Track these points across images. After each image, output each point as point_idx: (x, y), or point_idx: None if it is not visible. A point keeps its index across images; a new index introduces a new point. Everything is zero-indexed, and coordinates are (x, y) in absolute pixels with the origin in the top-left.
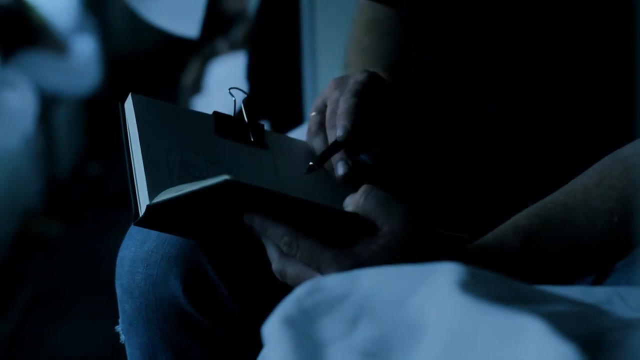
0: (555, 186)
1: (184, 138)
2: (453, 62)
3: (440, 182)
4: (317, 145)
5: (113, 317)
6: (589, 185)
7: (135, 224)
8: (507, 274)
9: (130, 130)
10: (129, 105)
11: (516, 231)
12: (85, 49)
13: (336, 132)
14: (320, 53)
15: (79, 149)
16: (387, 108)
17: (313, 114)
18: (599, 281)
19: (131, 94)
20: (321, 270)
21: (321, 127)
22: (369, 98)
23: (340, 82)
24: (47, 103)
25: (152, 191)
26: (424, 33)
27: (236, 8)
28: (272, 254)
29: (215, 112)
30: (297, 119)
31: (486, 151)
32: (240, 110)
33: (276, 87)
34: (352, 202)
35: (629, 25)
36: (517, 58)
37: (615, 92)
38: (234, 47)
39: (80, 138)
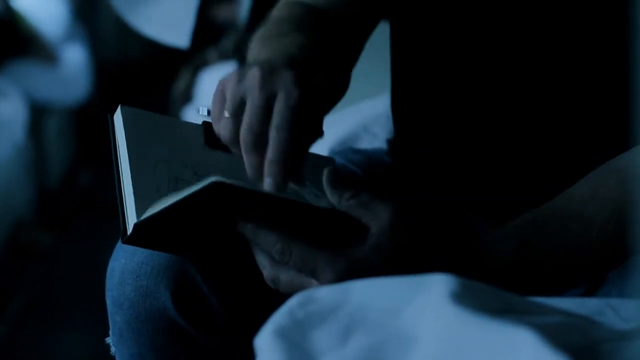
0: (550, 190)
1: (172, 151)
2: (455, 66)
3: (433, 186)
4: (254, 162)
5: (104, 326)
6: (585, 195)
7: (124, 242)
8: (500, 278)
9: (118, 143)
10: (118, 117)
11: (509, 237)
12: (75, 58)
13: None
14: None
15: (70, 158)
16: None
17: (226, 116)
18: (591, 291)
19: (120, 106)
20: (315, 274)
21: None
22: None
23: (267, 80)
24: (38, 112)
25: (140, 209)
26: (416, 41)
27: (226, 18)
28: (263, 261)
29: (204, 122)
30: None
31: (481, 155)
32: None
33: None
34: (337, 203)
35: (625, 33)
36: (520, 53)
37: (611, 102)
38: (224, 57)
39: (70, 147)
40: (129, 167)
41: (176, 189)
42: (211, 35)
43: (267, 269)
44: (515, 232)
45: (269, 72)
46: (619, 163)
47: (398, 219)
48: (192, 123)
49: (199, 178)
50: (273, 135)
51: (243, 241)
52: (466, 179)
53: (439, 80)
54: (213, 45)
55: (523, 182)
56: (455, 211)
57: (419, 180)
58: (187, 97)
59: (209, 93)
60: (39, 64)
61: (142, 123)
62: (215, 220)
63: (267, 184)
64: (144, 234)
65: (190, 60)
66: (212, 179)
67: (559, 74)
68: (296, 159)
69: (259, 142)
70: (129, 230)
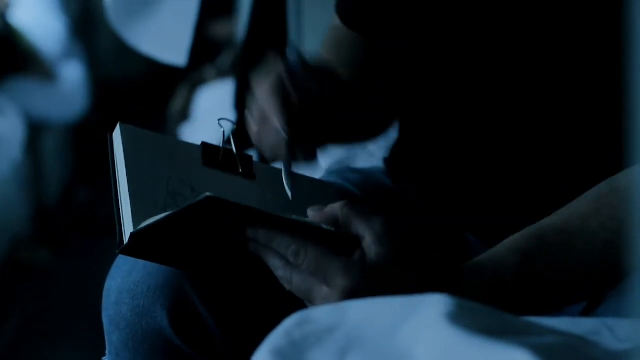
0: (549, 207)
1: (170, 168)
2: (452, 84)
3: (431, 205)
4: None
5: (100, 345)
6: (587, 212)
7: (120, 252)
8: (503, 295)
9: (117, 160)
10: (117, 135)
11: (514, 252)
12: (73, 75)
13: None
14: None
15: (67, 175)
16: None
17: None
18: (589, 310)
19: (119, 124)
20: (327, 280)
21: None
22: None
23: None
24: (35, 129)
25: (137, 220)
26: (424, 63)
27: (224, 35)
28: (277, 263)
29: (203, 143)
30: None
31: (477, 172)
32: (229, 141)
33: None
34: (329, 214)
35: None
36: (515, 74)
37: (606, 125)
38: (221, 75)
39: (68, 164)
40: (126, 182)
41: (174, 203)
42: (208, 52)
43: (280, 269)
44: (518, 247)
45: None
46: (620, 182)
47: (392, 229)
48: (190, 143)
49: (197, 195)
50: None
51: (239, 254)
52: (463, 197)
53: (435, 104)
54: (210, 63)
55: (519, 205)
56: (453, 230)
57: (417, 200)
58: (185, 114)
59: (206, 110)
60: (36, 81)
61: (141, 141)
62: (210, 234)
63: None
64: (140, 244)
65: (187, 77)
66: (207, 194)
67: (556, 94)
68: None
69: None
70: (125, 240)
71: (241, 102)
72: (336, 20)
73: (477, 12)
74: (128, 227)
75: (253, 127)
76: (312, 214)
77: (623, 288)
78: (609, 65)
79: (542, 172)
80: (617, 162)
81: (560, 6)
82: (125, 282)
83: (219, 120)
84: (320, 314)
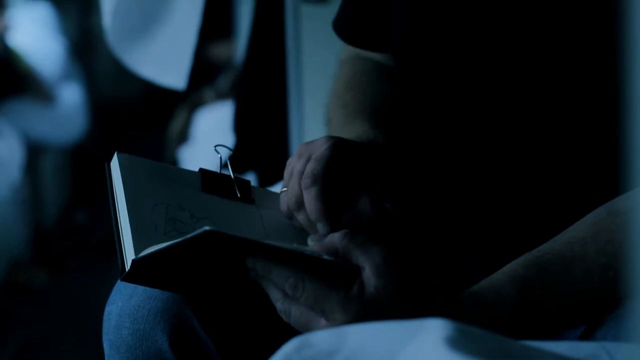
0: (546, 233)
1: (169, 195)
2: (447, 109)
3: (428, 231)
4: (298, 223)
5: None
6: (586, 237)
7: (122, 279)
8: (502, 322)
9: (116, 189)
10: (114, 164)
11: (513, 280)
12: (71, 97)
13: (318, 229)
14: (307, 102)
15: (65, 197)
16: (358, 172)
17: (284, 189)
18: (588, 333)
19: (117, 153)
20: (325, 314)
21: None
22: (333, 173)
23: (305, 149)
24: (34, 151)
25: (138, 247)
26: (417, 83)
27: (223, 57)
28: (276, 295)
29: (201, 169)
30: (284, 169)
31: (474, 198)
32: (226, 166)
33: (263, 137)
34: (329, 244)
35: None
36: (512, 100)
37: (604, 146)
38: (220, 97)
39: (66, 186)
40: (126, 210)
41: (174, 229)
42: (207, 74)
43: (279, 302)
44: (518, 274)
45: (307, 143)
46: (618, 207)
47: (392, 259)
48: (188, 170)
49: (196, 220)
50: (304, 196)
51: (239, 280)
52: (464, 220)
53: (437, 117)
54: (209, 85)
55: (519, 228)
56: (452, 255)
57: (417, 222)
58: (183, 136)
59: (205, 132)
60: (35, 103)
61: (138, 169)
62: (211, 262)
63: (309, 240)
64: (142, 272)
65: (186, 99)
66: (206, 227)
67: (555, 117)
68: (330, 209)
69: (302, 203)
70: (127, 267)
71: (240, 124)
72: (343, 50)
73: (476, 23)
74: (130, 254)
75: (283, 202)
76: (312, 244)
77: (622, 312)
78: (610, 89)
79: (542, 195)
80: (615, 186)
81: (564, 19)
82: (126, 306)
83: (215, 146)
84: (319, 339)
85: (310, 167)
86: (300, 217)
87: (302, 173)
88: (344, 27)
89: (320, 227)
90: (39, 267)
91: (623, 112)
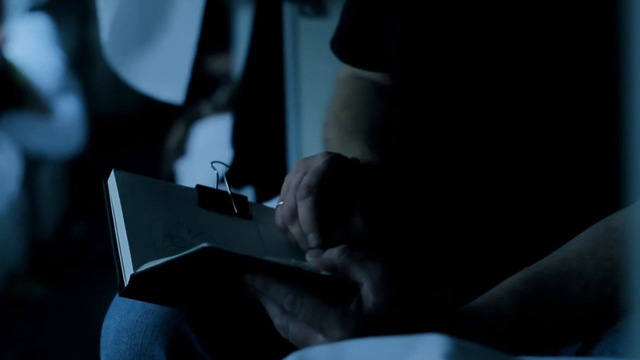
0: (544, 247)
1: (167, 210)
2: (445, 127)
3: (425, 247)
4: (292, 237)
5: None
6: (583, 253)
7: (121, 295)
8: (501, 338)
9: (113, 206)
10: (111, 181)
11: (511, 295)
12: (69, 110)
13: (309, 241)
14: (305, 116)
15: (63, 210)
16: (353, 188)
17: (280, 203)
18: (585, 349)
19: (114, 170)
20: (323, 331)
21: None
22: (328, 187)
23: (303, 164)
24: (31, 164)
25: (137, 262)
26: (415, 101)
27: (220, 70)
28: (274, 311)
29: (198, 186)
30: (281, 184)
31: (471, 213)
32: (223, 182)
33: (260, 151)
34: (328, 260)
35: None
36: (501, 119)
37: (602, 160)
38: (218, 110)
39: (63, 199)
40: (124, 226)
41: (172, 244)
42: (205, 87)
43: (277, 318)
44: (516, 290)
45: (305, 159)
46: (615, 223)
47: (390, 275)
48: (184, 186)
49: (194, 235)
50: (298, 207)
51: (238, 295)
52: (461, 233)
53: (434, 135)
54: (207, 98)
55: (516, 240)
56: (450, 270)
57: (415, 234)
58: (181, 150)
59: (202, 146)
60: (33, 116)
61: (135, 186)
62: (209, 278)
63: (310, 241)
64: (140, 287)
65: (183, 113)
66: (204, 244)
67: (553, 134)
68: (322, 221)
69: (296, 215)
70: (126, 282)
71: (238, 138)
72: (339, 68)
73: (472, 41)
74: (128, 270)
75: (279, 216)
76: (311, 260)
77: (619, 328)
78: (609, 106)
79: (541, 210)
80: (613, 201)
81: (561, 37)
82: (124, 321)
83: (212, 162)
84: (318, 353)
85: (306, 179)
86: (294, 230)
87: (298, 186)
88: (342, 47)
89: (312, 238)
90: (36, 279)
91: (622, 128)
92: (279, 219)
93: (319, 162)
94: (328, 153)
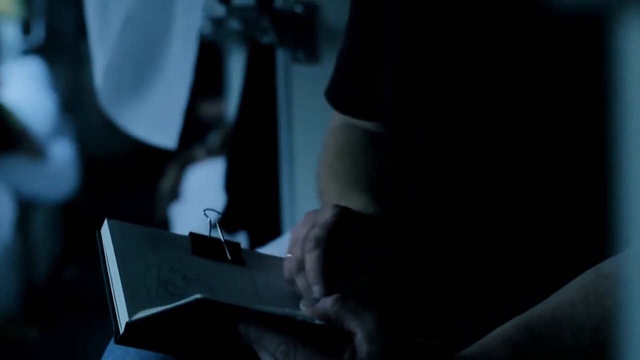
0: (535, 294)
1: (160, 258)
2: (437, 174)
3: (420, 293)
4: (297, 289)
5: None
6: (575, 300)
7: (117, 342)
8: None
9: (107, 255)
10: (105, 230)
11: (504, 344)
12: (62, 153)
13: (313, 293)
14: (298, 161)
15: (56, 253)
16: (360, 243)
17: (288, 255)
18: None
19: (107, 220)
20: None
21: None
22: (336, 240)
23: (311, 217)
24: (25, 208)
25: (132, 310)
26: (407, 149)
27: (214, 114)
28: (267, 359)
29: (191, 233)
30: (275, 230)
31: (466, 260)
32: (216, 229)
33: (253, 196)
34: (322, 309)
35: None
36: (496, 167)
37: (594, 204)
38: (211, 154)
39: (57, 242)
40: (118, 274)
41: (166, 291)
42: (198, 131)
43: None
44: (508, 338)
45: (313, 211)
46: (607, 270)
47: (384, 325)
48: (178, 235)
49: (188, 282)
50: (306, 259)
51: (233, 342)
52: (455, 281)
53: (422, 193)
54: (200, 142)
55: (510, 288)
56: (444, 317)
57: (409, 283)
58: (174, 193)
59: (196, 190)
60: (26, 159)
61: (129, 234)
62: (204, 326)
63: (302, 304)
64: (136, 334)
65: (177, 156)
66: (197, 295)
67: (543, 183)
68: (328, 275)
69: (302, 267)
70: (121, 330)
71: (231, 183)
72: (332, 114)
73: (463, 94)
74: (123, 317)
75: (286, 268)
76: (305, 309)
77: None
78: (597, 159)
79: (533, 259)
80: (603, 249)
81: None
82: None
83: (204, 210)
84: None
85: (314, 231)
86: (300, 281)
87: (305, 238)
88: (337, 97)
89: (317, 290)
90: (30, 322)
91: (611, 177)
92: (286, 271)
93: (327, 215)
94: (337, 206)
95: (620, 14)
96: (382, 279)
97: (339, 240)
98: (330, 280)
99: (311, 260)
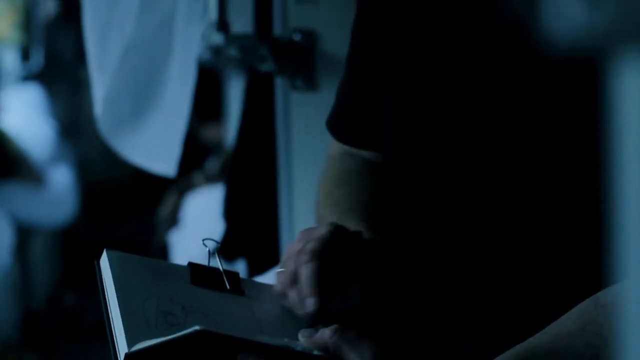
0: (534, 315)
1: (159, 288)
2: (436, 190)
3: (416, 317)
4: (288, 303)
5: None
6: (573, 330)
7: None
8: None
9: (106, 285)
10: (104, 261)
11: None
12: (61, 179)
13: (306, 306)
14: (297, 188)
15: (55, 280)
16: (353, 261)
17: (281, 270)
18: None
19: (106, 250)
20: None
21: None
22: (330, 255)
23: (305, 234)
24: (24, 234)
25: (131, 341)
26: (406, 176)
27: (213, 140)
28: None
29: (190, 263)
30: (274, 257)
31: (466, 272)
32: (215, 258)
33: (252, 223)
34: (320, 340)
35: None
36: (493, 182)
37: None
38: (210, 180)
39: (56, 269)
40: (117, 305)
41: (165, 322)
42: (197, 157)
43: None
44: None
45: (307, 229)
46: (605, 299)
47: (382, 357)
48: (177, 264)
49: (187, 313)
50: (300, 272)
51: None
52: (453, 310)
53: (421, 218)
54: (199, 168)
55: (509, 316)
56: (443, 347)
57: (406, 312)
58: (173, 220)
59: (195, 216)
60: (25, 186)
61: (128, 265)
62: (203, 357)
63: (307, 306)
64: None
65: (176, 182)
66: (196, 327)
67: (539, 215)
68: (322, 288)
69: (296, 280)
70: None
71: (230, 211)
72: (331, 146)
73: (463, 124)
74: (122, 348)
75: (279, 281)
76: (303, 340)
77: None
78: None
79: (531, 289)
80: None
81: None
82: None
83: (203, 240)
84: None
85: (309, 245)
86: (292, 294)
87: (300, 252)
88: (338, 127)
89: (309, 303)
90: (29, 349)
91: (606, 207)
92: (278, 284)
93: (322, 231)
94: (331, 223)
95: (614, 51)
96: (375, 293)
97: (334, 254)
98: (324, 293)
99: (305, 273)
